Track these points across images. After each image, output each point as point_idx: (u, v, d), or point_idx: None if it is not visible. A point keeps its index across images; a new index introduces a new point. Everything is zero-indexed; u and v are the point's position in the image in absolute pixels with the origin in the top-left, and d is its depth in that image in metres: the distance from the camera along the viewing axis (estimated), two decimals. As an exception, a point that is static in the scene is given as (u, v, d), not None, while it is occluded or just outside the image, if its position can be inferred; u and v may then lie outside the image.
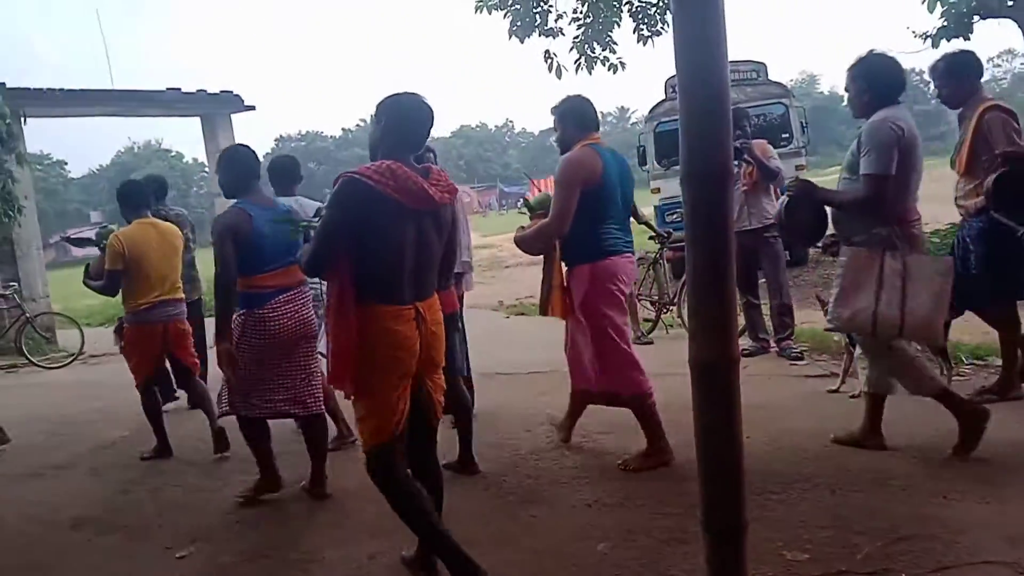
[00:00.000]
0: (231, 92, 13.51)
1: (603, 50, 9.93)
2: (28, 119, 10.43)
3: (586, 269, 3.69)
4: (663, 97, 11.61)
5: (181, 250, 4.95)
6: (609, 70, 10.09)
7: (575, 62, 9.88)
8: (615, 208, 3.72)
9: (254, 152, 3.86)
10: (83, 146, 62.57)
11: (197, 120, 13.70)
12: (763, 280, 6.01)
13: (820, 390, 4.75)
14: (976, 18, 10.14)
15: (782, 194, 4.10)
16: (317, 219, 3.03)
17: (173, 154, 67.49)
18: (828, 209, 3.67)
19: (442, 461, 3.05)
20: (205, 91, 13.24)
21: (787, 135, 10.98)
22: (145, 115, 14.99)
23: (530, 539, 3.05)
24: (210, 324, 4.27)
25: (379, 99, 2.69)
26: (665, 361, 5.09)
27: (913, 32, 10.97)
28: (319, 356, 3.77)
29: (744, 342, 5.83)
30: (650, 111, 12.00)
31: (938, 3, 9.80)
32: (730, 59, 1.65)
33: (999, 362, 4.41)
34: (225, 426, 4.35)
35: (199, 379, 5.02)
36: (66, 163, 63.03)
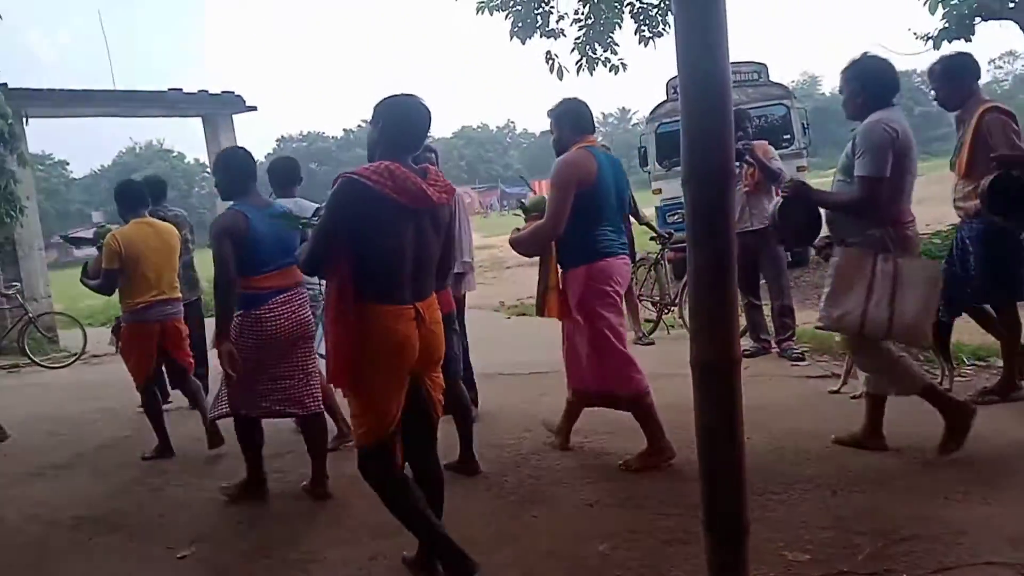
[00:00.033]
0: (233, 93, 13.48)
1: (604, 51, 9.96)
2: (30, 119, 10.41)
3: (581, 271, 3.69)
4: (664, 98, 11.60)
5: (178, 250, 4.95)
6: (610, 71, 10.12)
7: (576, 63, 9.90)
8: (610, 210, 3.73)
9: (250, 154, 3.88)
10: (85, 146, 62.60)
11: (199, 121, 13.67)
12: (764, 281, 6.01)
13: (821, 391, 4.75)
14: (977, 20, 10.15)
15: (783, 195, 4.10)
16: (315, 218, 3.04)
17: (175, 154, 67.67)
18: (822, 211, 3.67)
19: (443, 461, 3.06)
20: (207, 92, 13.22)
21: (788, 136, 10.97)
22: (147, 115, 15.00)
23: (531, 539, 3.05)
24: (210, 324, 4.27)
25: (378, 100, 2.70)
26: (666, 362, 5.09)
27: (915, 34, 10.99)
28: (318, 356, 3.78)
29: (745, 343, 5.82)
30: (651, 112, 12.01)
31: (939, 5, 9.81)
32: (731, 60, 1.65)
33: (1000, 363, 4.41)
34: (219, 422, 4.35)
35: (193, 378, 5.03)
36: (68, 163, 63.40)
